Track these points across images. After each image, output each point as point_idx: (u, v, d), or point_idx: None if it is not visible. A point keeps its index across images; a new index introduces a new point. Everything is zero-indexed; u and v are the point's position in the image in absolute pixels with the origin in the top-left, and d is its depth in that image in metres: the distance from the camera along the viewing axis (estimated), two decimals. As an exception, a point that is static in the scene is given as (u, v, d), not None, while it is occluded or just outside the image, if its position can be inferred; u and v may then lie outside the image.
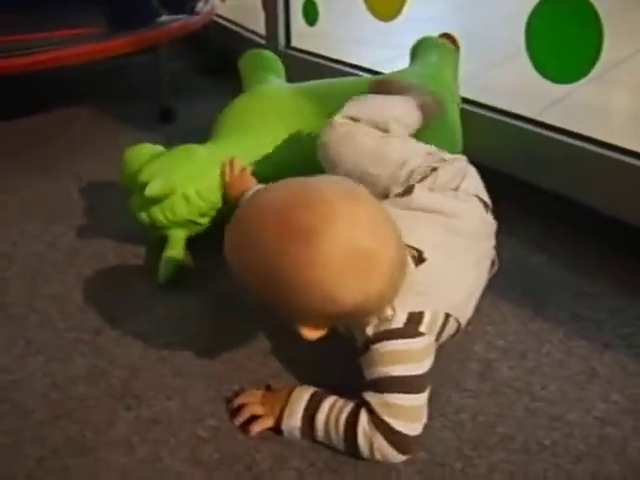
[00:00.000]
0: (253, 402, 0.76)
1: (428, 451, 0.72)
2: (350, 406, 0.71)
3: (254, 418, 0.75)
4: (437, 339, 0.74)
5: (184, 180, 1.00)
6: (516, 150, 1.22)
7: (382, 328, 0.69)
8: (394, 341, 0.69)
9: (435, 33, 1.42)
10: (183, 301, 0.99)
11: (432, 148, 0.90)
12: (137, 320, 0.95)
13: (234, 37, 2.10)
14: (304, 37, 1.84)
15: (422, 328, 0.70)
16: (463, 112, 1.26)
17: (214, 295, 1.01)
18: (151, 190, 0.95)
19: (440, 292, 0.73)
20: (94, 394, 0.82)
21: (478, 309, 0.83)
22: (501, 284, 0.96)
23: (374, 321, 0.70)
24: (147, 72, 1.80)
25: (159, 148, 1.08)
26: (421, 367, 0.70)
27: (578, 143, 1.14)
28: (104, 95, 1.96)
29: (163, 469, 0.72)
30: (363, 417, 0.69)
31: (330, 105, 1.14)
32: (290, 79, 1.37)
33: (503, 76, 1.96)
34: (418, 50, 1.37)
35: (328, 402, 0.72)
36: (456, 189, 0.82)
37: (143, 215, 1.01)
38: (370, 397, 0.70)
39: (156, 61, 1.70)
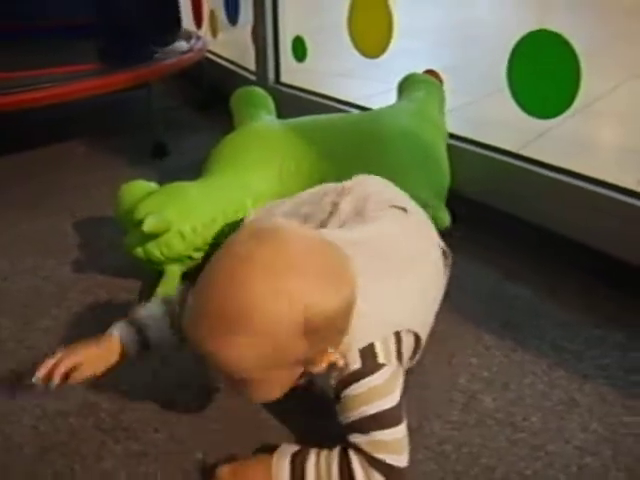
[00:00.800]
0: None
1: (412, 483, 0.73)
2: (335, 459, 0.70)
3: None
4: (399, 359, 0.72)
5: (179, 217, 1.02)
6: (499, 183, 1.26)
7: (344, 374, 0.69)
8: (360, 382, 0.68)
9: (421, 67, 1.46)
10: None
11: (326, 187, 0.91)
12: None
13: (225, 73, 2.15)
14: (293, 73, 1.88)
15: (380, 359, 0.69)
16: (448, 146, 1.29)
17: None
18: (148, 226, 0.97)
19: (379, 315, 0.71)
20: (84, 427, 0.83)
21: (462, 340, 0.84)
22: (483, 314, 0.98)
23: (334, 373, 0.69)
24: (141, 108, 1.83)
25: (153, 185, 1.10)
26: (394, 398, 0.69)
27: (559, 176, 1.17)
28: (98, 131, 1.99)
29: (150, 502, 0.73)
30: (355, 462, 0.68)
31: (320, 141, 1.18)
32: (280, 114, 1.41)
33: (487, 110, 2.01)
34: (405, 86, 1.41)
35: (311, 461, 0.70)
36: (362, 212, 0.84)
37: (139, 251, 1.04)
38: (357, 439, 0.69)
39: (149, 97, 1.74)
